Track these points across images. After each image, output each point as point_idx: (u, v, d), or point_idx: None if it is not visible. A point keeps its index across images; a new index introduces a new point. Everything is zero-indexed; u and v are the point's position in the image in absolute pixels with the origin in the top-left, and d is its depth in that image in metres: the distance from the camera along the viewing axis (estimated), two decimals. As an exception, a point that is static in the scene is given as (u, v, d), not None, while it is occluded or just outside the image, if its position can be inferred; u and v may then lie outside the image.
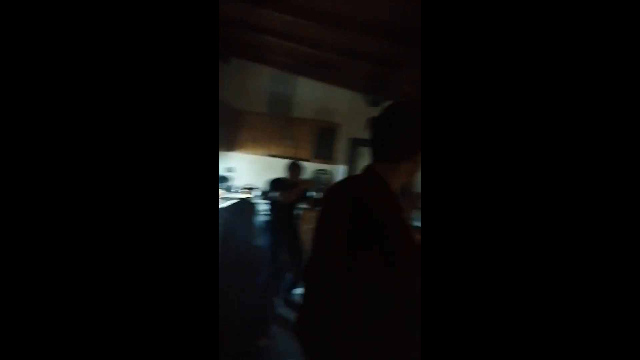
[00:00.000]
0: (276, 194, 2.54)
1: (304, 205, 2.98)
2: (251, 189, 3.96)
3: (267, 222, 2.74)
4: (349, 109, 4.14)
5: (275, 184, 2.64)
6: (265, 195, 2.79)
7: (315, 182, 3.77)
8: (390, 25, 2.28)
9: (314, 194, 3.04)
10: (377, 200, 0.91)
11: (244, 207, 3.79)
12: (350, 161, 4.14)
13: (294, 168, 2.75)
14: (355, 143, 4.14)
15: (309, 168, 4.07)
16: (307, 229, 3.58)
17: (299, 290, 2.89)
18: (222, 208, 3.01)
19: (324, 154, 3.96)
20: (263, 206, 2.98)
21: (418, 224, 2.82)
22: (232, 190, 3.94)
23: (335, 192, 1.04)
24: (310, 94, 4.15)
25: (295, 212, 2.81)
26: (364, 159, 4.09)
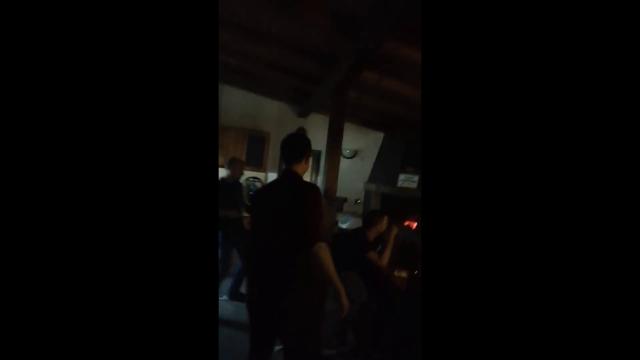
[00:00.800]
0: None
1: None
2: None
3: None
4: (278, 118, 4.32)
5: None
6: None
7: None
8: (309, 46, 2.53)
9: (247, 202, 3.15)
10: (294, 191, 1.41)
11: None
12: (280, 168, 4.32)
13: (234, 163, 2.84)
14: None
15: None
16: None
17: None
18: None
19: (255, 161, 4.07)
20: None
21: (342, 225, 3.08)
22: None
23: (264, 193, 1.52)
24: (240, 103, 4.23)
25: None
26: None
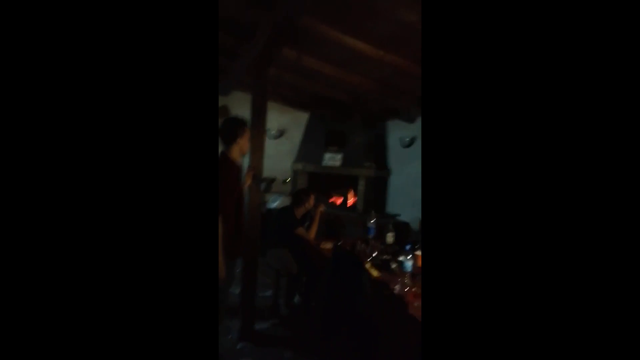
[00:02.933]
0: None
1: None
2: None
3: None
4: (197, 96, 4.06)
5: None
6: None
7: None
8: (223, 16, 2.41)
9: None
10: (226, 171, 1.62)
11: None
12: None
13: None
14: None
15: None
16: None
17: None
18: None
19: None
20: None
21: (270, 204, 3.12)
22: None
23: None
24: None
25: None
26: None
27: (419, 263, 2.01)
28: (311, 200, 2.79)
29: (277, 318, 2.56)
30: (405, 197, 3.96)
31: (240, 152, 1.80)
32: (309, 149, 4.44)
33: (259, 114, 2.33)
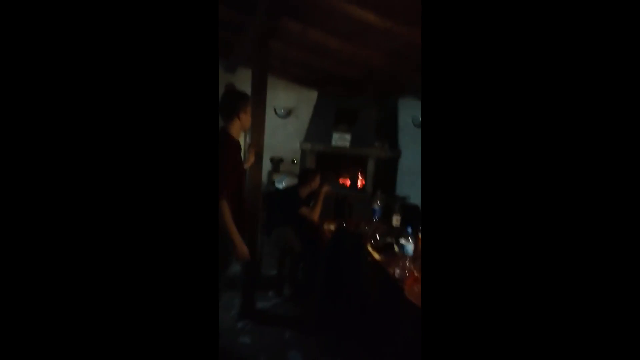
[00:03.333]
0: None
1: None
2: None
3: None
4: (204, 74, 3.98)
5: None
6: None
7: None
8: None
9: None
10: (227, 147, 1.58)
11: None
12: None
13: None
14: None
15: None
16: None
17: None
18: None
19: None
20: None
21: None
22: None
23: None
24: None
25: None
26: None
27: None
28: (316, 180, 2.73)
29: (280, 297, 2.56)
30: (416, 178, 3.84)
31: (242, 128, 1.70)
32: (317, 129, 4.33)
33: (260, 88, 2.24)
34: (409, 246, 1.79)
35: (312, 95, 4.51)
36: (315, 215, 2.62)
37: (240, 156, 1.71)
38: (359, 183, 4.35)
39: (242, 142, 3.80)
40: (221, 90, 1.66)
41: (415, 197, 3.81)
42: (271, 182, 4.16)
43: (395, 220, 2.49)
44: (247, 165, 2.15)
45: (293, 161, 4.56)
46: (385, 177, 4.17)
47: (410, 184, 3.99)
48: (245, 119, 1.69)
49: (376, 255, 1.87)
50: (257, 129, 2.27)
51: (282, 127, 4.53)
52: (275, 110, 4.44)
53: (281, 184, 4.04)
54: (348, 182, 4.42)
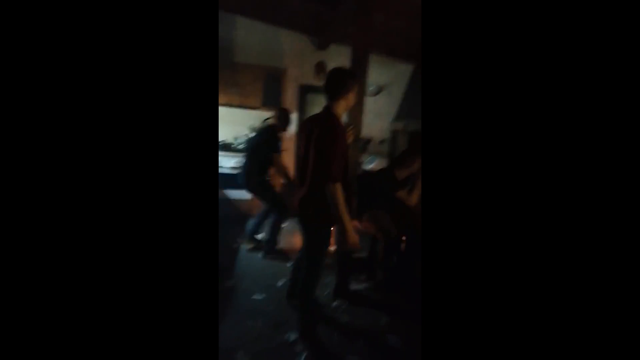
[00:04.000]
0: None
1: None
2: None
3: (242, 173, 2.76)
4: (295, 52, 4.00)
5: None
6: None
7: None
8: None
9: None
10: (336, 128, 1.51)
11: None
12: (300, 108, 4.10)
13: (283, 113, 2.74)
14: (303, 90, 4.08)
15: (258, 117, 3.99)
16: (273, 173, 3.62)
17: (260, 235, 3.01)
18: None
19: (272, 101, 3.86)
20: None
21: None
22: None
23: (300, 130, 1.61)
24: (254, 36, 3.91)
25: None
26: (314, 106, 4.09)
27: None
28: (416, 163, 2.54)
29: (372, 281, 2.52)
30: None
31: (346, 108, 1.62)
32: (411, 106, 4.04)
33: (360, 66, 2.12)
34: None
35: (406, 71, 4.20)
36: (414, 200, 2.45)
37: (346, 138, 1.63)
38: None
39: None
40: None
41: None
42: (359, 163, 4.07)
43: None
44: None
45: (382, 141, 4.38)
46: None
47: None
48: (352, 98, 1.60)
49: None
50: (356, 107, 2.17)
51: (371, 104, 4.36)
52: (366, 89, 4.28)
53: (370, 165, 3.92)
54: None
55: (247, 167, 2.73)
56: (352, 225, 1.51)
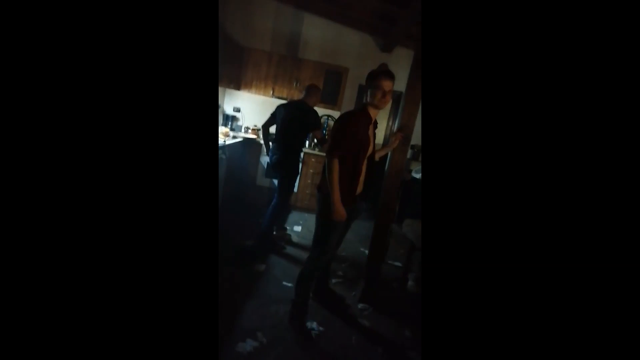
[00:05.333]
0: None
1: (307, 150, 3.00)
2: (257, 129, 4.00)
3: (276, 163, 2.68)
4: (359, 52, 3.99)
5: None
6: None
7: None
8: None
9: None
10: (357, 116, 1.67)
11: (248, 147, 3.87)
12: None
13: (311, 90, 2.68)
14: (363, 90, 4.06)
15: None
16: (307, 172, 3.67)
17: (297, 228, 3.07)
18: (226, 146, 3.09)
19: (331, 98, 3.90)
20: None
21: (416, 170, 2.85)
22: (237, 130, 3.99)
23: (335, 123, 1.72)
24: (319, 34, 3.98)
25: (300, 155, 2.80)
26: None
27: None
28: None
29: (402, 291, 2.43)
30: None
31: (376, 107, 1.68)
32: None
33: (419, 65, 2.05)
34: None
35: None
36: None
37: (370, 129, 1.69)
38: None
39: (388, 124, 3.64)
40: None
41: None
42: (408, 171, 3.95)
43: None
44: (389, 148, 2.06)
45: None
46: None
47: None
48: (382, 101, 1.65)
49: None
50: (410, 112, 2.11)
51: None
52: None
53: (419, 174, 3.78)
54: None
55: (279, 148, 2.63)
56: (337, 198, 1.59)
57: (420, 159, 4.11)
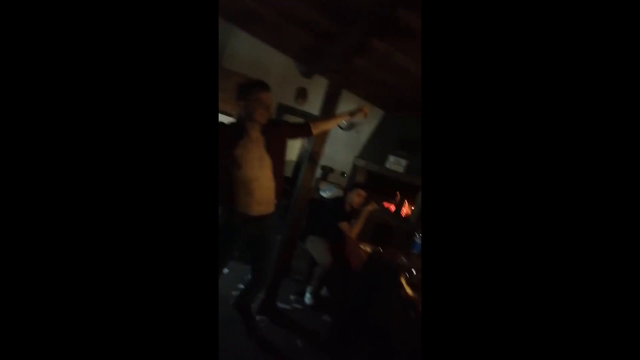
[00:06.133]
0: None
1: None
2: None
3: None
4: (282, 74, 4.18)
5: None
6: None
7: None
8: (328, 3, 2.40)
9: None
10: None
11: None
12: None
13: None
14: (281, 109, 4.23)
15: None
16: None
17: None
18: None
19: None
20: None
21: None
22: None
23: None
24: (247, 51, 4.06)
25: None
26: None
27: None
28: (361, 198, 2.71)
29: (300, 304, 2.57)
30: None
31: (250, 119, 1.59)
32: (375, 148, 4.31)
33: (331, 98, 2.30)
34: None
35: (377, 114, 4.51)
36: (354, 233, 2.59)
37: (248, 146, 1.61)
38: (404, 211, 4.23)
39: (300, 145, 3.84)
40: (237, 86, 1.65)
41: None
42: (316, 189, 4.21)
43: (435, 261, 2.38)
44: (348, 117, 2.10)
45: (343, 174, 4.57)
46: (433, 213, 4.01)
47: (457, 227, 3.79)
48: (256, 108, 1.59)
49: (409, 291, 1.80)
50: (320, 138, 2.32)
51: (341, 138, 4.59)
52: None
53: (326, 193, 4.07)
54: (393, 208, 4.33)
55: None
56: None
57: (328, 179, 4.43)
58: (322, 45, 3.10)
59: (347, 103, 4.45)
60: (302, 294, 2.65)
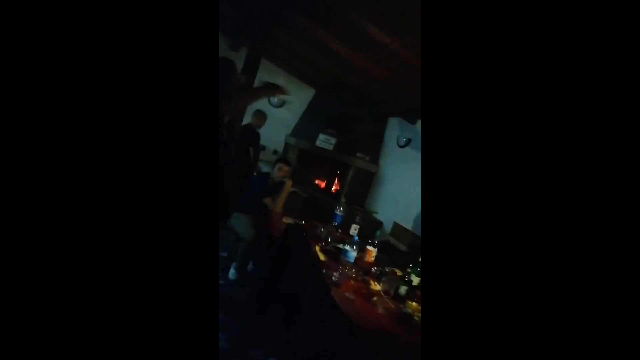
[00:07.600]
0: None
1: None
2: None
3: None
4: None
5: None
6: None
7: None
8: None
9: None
10: None
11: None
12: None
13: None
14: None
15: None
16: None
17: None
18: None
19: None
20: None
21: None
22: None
23: None
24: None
25: None
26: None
27: (369, 258, 1.98)
28: (285, 172, 2.75)
29: (225, 280, 2.57)
30: (389, 196, 3.91)
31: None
32: (306, 126, 4.36)
33: (250, 69, 2.27)
34: (351, 253, 1.83)
35: (309, 93, 4.54)
36: (277, 208, 2.64)
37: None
38: (333, 188, 4.39)
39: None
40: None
41: (383, 213, 3.88)
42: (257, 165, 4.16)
43: (354, 230, 2.53)
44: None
45: (274, 152, 4.57)
46: (360, 188, 4.23)
47: (382, 201, 4.07)
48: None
49: (322, 257, 1.90)
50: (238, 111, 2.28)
51: (272, 116, 4.55)
52: (269, 98, 4.45)
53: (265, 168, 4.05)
54: (323, 185, 4.46)
55: None
56: None
57: (261, 157, 4.39)
58: (241, 17, 2.99)
59: (275, 79, 4.41)
60: (226, 270, 2.64)
